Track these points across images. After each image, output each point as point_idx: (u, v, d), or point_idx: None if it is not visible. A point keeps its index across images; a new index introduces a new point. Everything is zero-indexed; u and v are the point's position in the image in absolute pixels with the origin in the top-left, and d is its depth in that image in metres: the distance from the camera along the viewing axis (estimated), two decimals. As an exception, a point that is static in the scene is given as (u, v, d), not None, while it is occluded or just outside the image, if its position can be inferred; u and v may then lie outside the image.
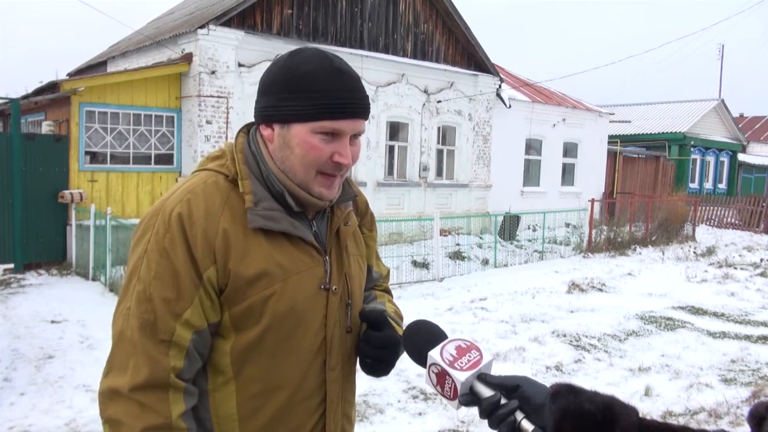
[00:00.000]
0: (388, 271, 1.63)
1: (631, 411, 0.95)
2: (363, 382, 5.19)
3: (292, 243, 1.23)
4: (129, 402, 1.09)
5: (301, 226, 1.24)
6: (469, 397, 1.01)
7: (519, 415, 0.96)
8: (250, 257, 1.17)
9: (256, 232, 1.19)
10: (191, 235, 1.14)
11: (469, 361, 1.03)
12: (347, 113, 1.19)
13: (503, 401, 0.98)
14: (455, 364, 1.02)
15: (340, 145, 1.20)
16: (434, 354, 1.04)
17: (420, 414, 4.50)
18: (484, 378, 1.02)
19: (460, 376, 1.00)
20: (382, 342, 1.29)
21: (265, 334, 1.18)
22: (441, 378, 1.03)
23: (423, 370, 1.09)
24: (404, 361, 1.33)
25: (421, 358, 1.08)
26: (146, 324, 1.11)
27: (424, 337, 1.11)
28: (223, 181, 1.22)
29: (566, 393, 0.96)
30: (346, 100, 1.19)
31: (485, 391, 1.00)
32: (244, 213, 1.19)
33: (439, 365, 1.03)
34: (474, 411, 1.03)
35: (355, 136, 1.24)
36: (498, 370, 1.05)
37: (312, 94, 1.17)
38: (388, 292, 1.61)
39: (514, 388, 0.99)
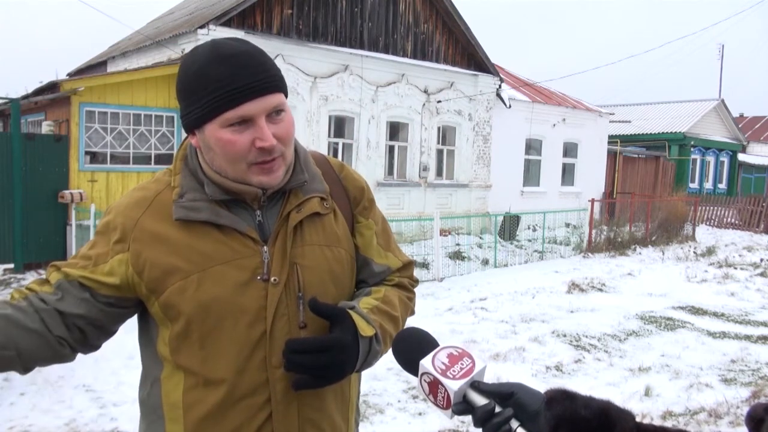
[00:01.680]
0: (408, 263, 1.45)
1: (628, 416, 0.94)
2: (362, 382, 5.18)
3: (222, 232, 1.20)
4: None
5: (230, 215, 1.20)
6: (463, 406, 1.00)
7: (514, 423, 0.95)
8: (167, 248, 1.18)
9: (181, 224, 1.19)
10: (111, 223, 1.23)
11: (461, 369, 1.01)
12: (246, 94, 1.13)
13: (498, 409, 0.97)
14: (447, 373, 1.00)
15: (256, 129, 1.14)
16: (425, 363, 1.02)
17: (420, 414, 4.50)
18: (477, 386, 1.00)
19: (453, 385, 0.99)
20: (301, 346, 1.15)
21: (189, 325, 1.17)
22: (433, 387, 1.01)
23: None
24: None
25: (412, 368, 1.06)
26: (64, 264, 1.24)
27: (414, 346, 1.08)
28: (167, 177, 1.27)
29: (561, 399, 0.96)
30: (240, 83, 1.13)
31: (479, 400, 0.98)
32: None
33: (431, 374, 1.01)
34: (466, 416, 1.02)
35: (277, 112, 1.17)
36: (498, 370, 1.05)
37: (205, 90, 1.13)
38: (400, 286, 1.41)
39: (508, 396, 0.98)
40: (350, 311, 1.22)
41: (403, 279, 1.43)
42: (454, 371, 1.01)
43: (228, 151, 1.16)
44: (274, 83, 1.17)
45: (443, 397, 1.01)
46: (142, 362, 1.31)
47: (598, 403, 0.95)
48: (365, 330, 1.20)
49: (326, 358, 1.14)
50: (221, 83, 1.12)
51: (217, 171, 1.20)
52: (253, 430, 1.19)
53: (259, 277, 1.19)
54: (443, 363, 1.02)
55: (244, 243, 1.20)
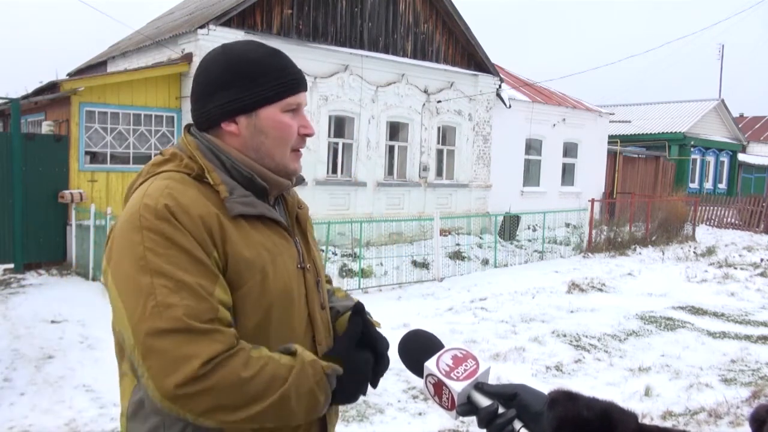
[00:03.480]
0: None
1: (630, 417, 0.94)
2: (363, 382, 5.18)
3: (267, 226, 1.25)
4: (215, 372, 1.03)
5: (273, 209, 1.28)
6: (467, 407, 1.01)
7: (517, 424, 0.96)
8: (243, 241, 1.18)
9: (237, 219, 1.19)
10: (187, 223, 1.10)
11: (465, 370, 1.02)
12: (302, 86, 1.29)
13: (501, 410, 0.98)
14: (452, 375, 1.02)
15: (302, 118, 1.29)
16: (430, 365, 1.04)
17: (420, 414, 4.50)
18: (481, 387, 1.01)
19: (457, 387, 1.00)
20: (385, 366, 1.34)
21: (267, 315, 1.19)
22: (438, 388, 1.03)
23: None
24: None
25: (417, 369, 1.08)
26: (190, 309, 1.04)
27: (420, 348, 1.10)
28: (189, 179, 1.20)
29: (564, 400, 0.96)
30: (298, 75, 1.29)
31: (483, 401, 1.00)
32: (221, 203, 1.19)
33: (436, 376, 1.02)
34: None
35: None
36: (498, 370, 1.06)
37: (271, 76, 1.24)
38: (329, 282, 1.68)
39: (511, 397, 0.99)
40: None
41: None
42: (458, 373, 1.02)
43: (285, 134, 1.26)
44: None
45: (448, 398, 1.02)
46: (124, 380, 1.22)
47: (600, 405, 0.95)
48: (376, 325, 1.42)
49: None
50: (285, 71, 1.26)
51: (255, 158, 1.24)
52: None
53: (299, 265, 1.29)
54: (448, 365, 1.03)
55: (283, 235, 1.28)
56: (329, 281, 1.64)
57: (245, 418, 1.06)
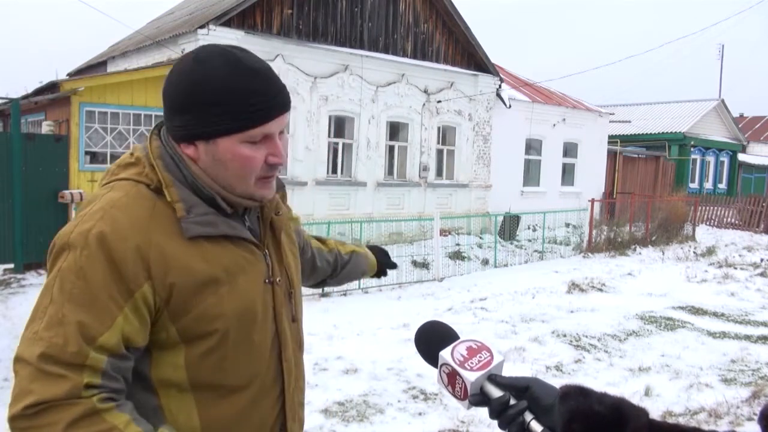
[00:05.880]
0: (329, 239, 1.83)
1: (642, 412, 0.95)
2: (363, 382, 5.20)
3: (232, 243, 1.19)
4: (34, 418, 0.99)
5: (236, 225, 1.21)
6: (479, 398, 1.03)
7: (528, 416, 0.98)
8: (193, 266, 1.12)
9: (194, 239, 1.13)
10: (117, 253, 1.05)
11: (479, 361, 1.04)
12: (274, 113, 1.14)
13: (513, 402, 0.99)
14: (465, 365, 1.04)
15: (272, 145, 1.16)
16: (445, 354, 1.06)
17: (420, 414, 4.50)
18: (494, 379, 1.03)
19: (470, 377, 1.02)
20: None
21: (223, 339, 1.15)
22: (452, 378, 1.05)
23: (423, 371, 1.10)
24: (404, 361, 1.34)
25: (432, 358, 1.10)
26: (53, 348, 1.00)
27: (435, 338, 1.12)
28: (146, 190, 1.14)
29: (576, 394, 0.97)
30: (269, 102, 1.12)
31: (495, 392, 1.01)
32: (176, 222, 1.12)
33: (450, 365, 1.04)
34: (475, 411, 1.03)
35: (281, 131, 1.18)
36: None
37: (233, 106, 1.10)
38: (320, 240, 1.78)
39: (523, 389, 1.00)
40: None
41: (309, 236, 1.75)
42: (472, 363, 1.04)
43: (245, 167, 1.15)
44: (290, 101, 1.19)
45: (461, 388, 1.04)
46: None
47: (611, 399, 0.96)
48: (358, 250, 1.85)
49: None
50: (252, 99, 1.10)
51: (221, 185, 1.17)
52: (273, 420, 1.28)
53: (266, 280, 1.25)
54: (462, 355, 1.05)
55: (250, 250, 1.23)
56: (322, 240, 1.77)
57: None
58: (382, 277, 1.97)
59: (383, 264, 1.92)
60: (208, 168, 1.16)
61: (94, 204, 1.12)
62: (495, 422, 1.00)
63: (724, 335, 6.89)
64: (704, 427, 4.28)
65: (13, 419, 1.00)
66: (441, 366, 1.06)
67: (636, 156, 21.36)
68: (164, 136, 1.20)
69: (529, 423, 0.97)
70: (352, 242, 1.93)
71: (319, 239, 1.76)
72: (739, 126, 28.19)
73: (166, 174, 1.15)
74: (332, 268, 1.76)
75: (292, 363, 1.30)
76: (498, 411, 0.99)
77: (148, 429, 1.04)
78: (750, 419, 4.37)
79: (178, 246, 1.11)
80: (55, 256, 1.09)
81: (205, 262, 1.14)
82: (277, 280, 1.27)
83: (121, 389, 1.07)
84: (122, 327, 1.05)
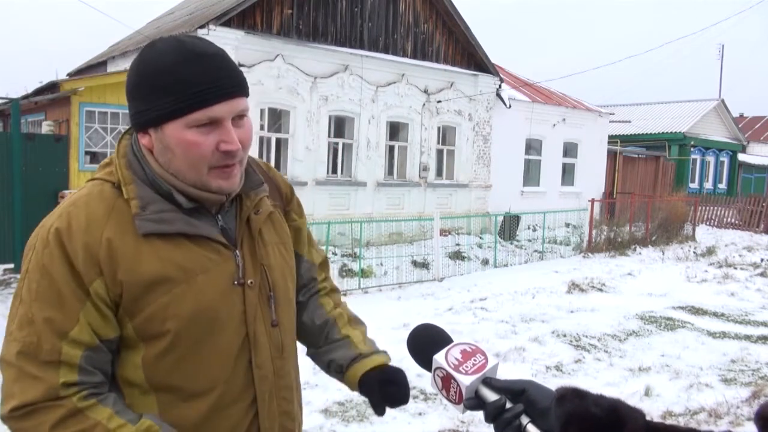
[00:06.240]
0: (325, 260, 1.54)
1: (638, 414, 0.94)
2: (363, 382, 5.18)
3: (193, 242, 1.15)
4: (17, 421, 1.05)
5: (200, 223, 1.17)
6: (474, 401, 1.01)
7: (524, 419, 0.96)
8: (143, 264, 1.10)
9: (149, 238, 1.11)
10: (71, 250, 1.07)
11: (474, 365, 1.03)
12: (219, 96, 1.10)
13: (508, 405, 0.98)
14: (460, 368, 1.02)
15: (223, 131, 1.12)
16: (439, 358, 1.04)
17: (420, 414, 4.50)
18: (489, 382, 1.02)
19: (465, 380, 1.01)
20: (394, 377, 1.35)
21: (176, 340, 1.12)
22: (446, 382, 1.03)
23: (423, 370, 1.09)
24: (404, 361, 1.33)
25: (426, 362, 1.08)
26: (28, 347, 1.04)
27: (429, 341, 1.10)
28: (110, 189, 1.14)
29: (572, 397, 0.96)
30: (213, 83, 1.10)
31: (490, 395, 1.00)
32: (133, 219, 1.12)
33: (444, 369, 1.03)
34: (474, 411, 1.03)
35: (240, 116, 1.15)
36: (498, 370, 1.05)
37: (175, 87, 1.08)
38: (335, 291, 1.52)
39: (519, 392, 0.99)
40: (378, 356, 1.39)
41: (328, 283, 1.52)
42: (466, 367, 1.03)
43: (191, 153, 1.11)
44: (243, 87, 1.16)
45: (455, 392, 1.02)
46: None
47: (608, 401, 0.96)
48: (387, 360, 1.40)
49: (406, 389, 1.33)
50: (194, 80, 1.09)
51: (172, 173, 1.14)
52: (245, 429, 1.22)
53: (236, 282, 1.20)
54: (456, 358, 1.04)
55: (216, 249, 1.18)
56: (332, 291, 1.50)
57: None
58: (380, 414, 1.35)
59: (386, 393, 1.34)
60: (160, 156, 1.15)
61: (62, 204, 1.16)
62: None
63: (724, 335, 6.89)
64: (704, 427, 4.28)
65: (3, 420, 1.05)
66: (435, 370, 1.05)
67: (636, 156, 21.36)
68: (134, 135, 1.21)
69: (525, 426, 0.95)
70: (366, 335, 1.46)
71: (332, 290, 1.52)
72: (739, 126, 28.19)
73: (126, 171, 1.16)
74: (315, 337, 1.46)
75: (267, 370, 1.23)
76: (494, 415, 0.98)
77: (131, 418, 1.08)
78: (750, 419, 4.37)
79: (131, 244, 1.11)
80: (24, 258, 1.13)
81: (158, 260, 1.11)
82: (249, 282, 1.21)
83: (101, 382, 1.10)
84: (88, 320, 1.07)
